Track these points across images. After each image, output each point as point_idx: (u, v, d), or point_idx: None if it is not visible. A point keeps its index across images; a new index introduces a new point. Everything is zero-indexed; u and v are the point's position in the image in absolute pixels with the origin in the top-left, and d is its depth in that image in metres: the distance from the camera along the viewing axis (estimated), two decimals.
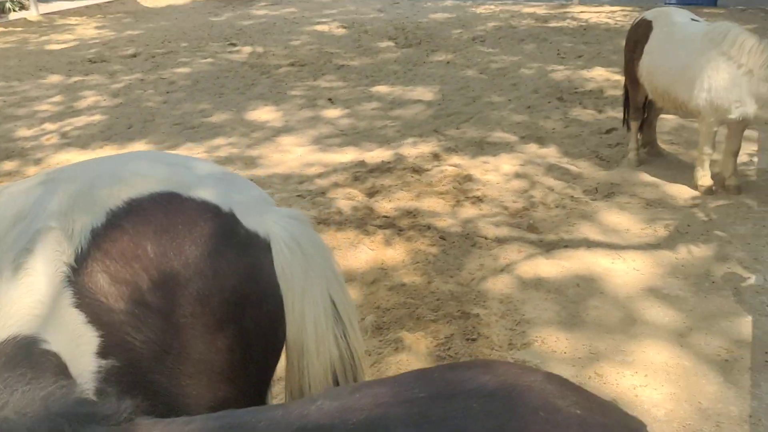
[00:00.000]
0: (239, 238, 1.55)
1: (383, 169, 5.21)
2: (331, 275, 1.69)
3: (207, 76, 8.47)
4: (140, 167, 1.59)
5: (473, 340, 3.21)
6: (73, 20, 13.79)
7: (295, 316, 1.60)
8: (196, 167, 1.66)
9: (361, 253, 4.02)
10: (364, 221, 4.38)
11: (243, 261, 1.54)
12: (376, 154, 5.52)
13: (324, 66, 8.65)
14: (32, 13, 14.37)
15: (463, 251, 4.01)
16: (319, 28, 11.19)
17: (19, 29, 12.96)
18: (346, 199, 4.70)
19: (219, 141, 6.10)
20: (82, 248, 1.45)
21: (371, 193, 4.81)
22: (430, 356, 3.13)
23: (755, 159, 5.12)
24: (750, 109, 4.17)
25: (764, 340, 3.09)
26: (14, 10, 14.78)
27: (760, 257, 3.78)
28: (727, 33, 4.22)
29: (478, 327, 3.30)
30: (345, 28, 11.09)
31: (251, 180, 5.09)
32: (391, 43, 9.81)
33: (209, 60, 9.31)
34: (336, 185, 4.97)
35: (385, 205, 4.59)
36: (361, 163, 5.35)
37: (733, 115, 4.22)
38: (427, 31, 10.45)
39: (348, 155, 5.56)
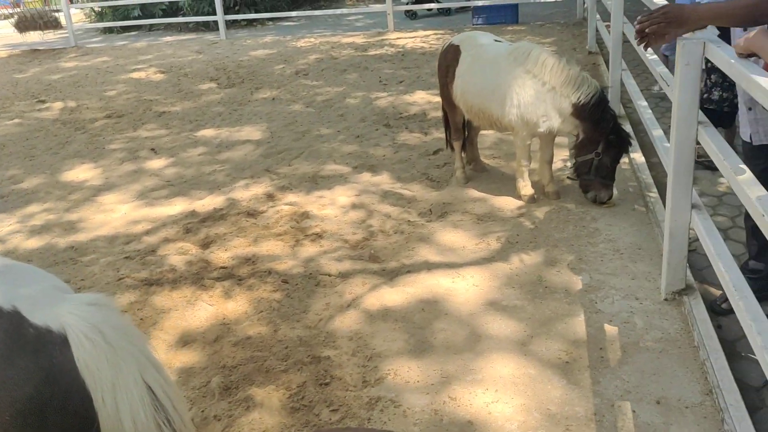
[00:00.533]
0: (27, 339, 1.36)
1: (216, 217, 5.01)
2: (143, 360, 1.53)
3: (15, 138, 7.80)
4: None
5: (326, 384, 3.12)
6: None
7: (108, 412, 1.43)
8: None
9: (200, 310, 3.81)
10: (200, 276, 4.16)
11: (35, 364, 1.35)
12: (207, 202, 5.31)
13: (144, 115, 8.27)
14: None
15: (307, 292, 3.91)
16: (135, 75, 10.72)
17: None
18: (179, 255, 4.46)
19: (33, 208, 5.60)
20: None
21: (205, 245, 4.60)
22: (283, 409, 3.00)
23: (568, 164, 5.47)
24: (555, 122, 4.47)
25: (597, 337, 3.26)
26: None
27: (584, 257, 4.02)
28: (529, 52, 4.50)
29: (330, 369, 3.21)
30: (163, 73, 10.71)
31: (73, 247, 4.74)
32: (213, 85, 9.59)
33: (16, 121, 8.61)
34: (167, 241, 4.71)
35: (221, 255, 4.40)
36: (192, 214, 5.12)
37: (541, 128, 4.51)
38: (249, 69, 10.34)
39: (177, 207, 5.31)
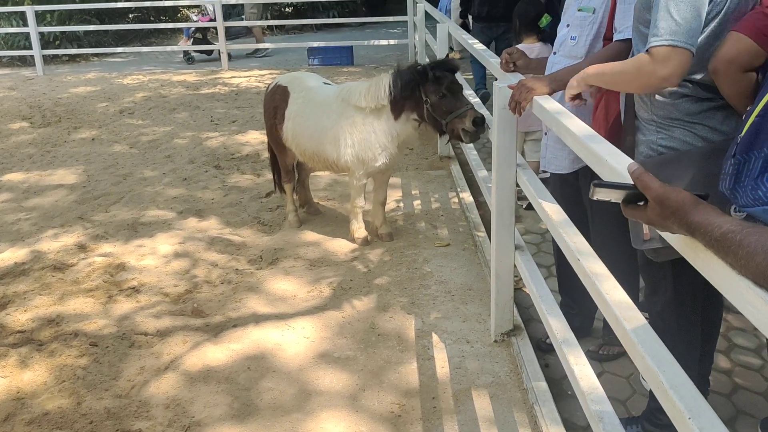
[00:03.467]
0: None
1: (16, 272, 4.44)
2: None
3: None
4: None
5: None
6: None
7: None
8: None
9: None
10: None
11: None
12: (7, 256, 4.70)
13: None
14: None
15: (119, 356, 3.51)
16: None
17: None
18: None
19: None
20: None
21: (1, 306, 4.04)
22: None
23: (401, 204, 5.47)
24: (392, 149, 4.38)
25: (430, 386, 3.16)
26: None
27: (416, 300, 3.95)
28: (350, 89, 4.44)
29: None
30: None
31: None
32: (24, 124, 8.76)
33: None
34: None
35: (19, 318, 3.87)
36: None
37: (379, 162, 4.40)
38: (67, 108, 9.58)
39: None
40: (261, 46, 13.82)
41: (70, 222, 5.30)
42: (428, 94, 4.11)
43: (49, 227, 5.22)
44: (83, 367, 3.41)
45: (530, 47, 4.90)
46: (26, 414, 3.09)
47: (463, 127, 4.02)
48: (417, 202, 5.52)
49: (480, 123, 3.98)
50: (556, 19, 5.23)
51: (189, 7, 14.61)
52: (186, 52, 13.72)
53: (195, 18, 13.66)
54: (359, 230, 4.75)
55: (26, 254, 4.71)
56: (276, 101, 4.82)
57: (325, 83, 4.89)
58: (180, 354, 3.50)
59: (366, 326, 3.71)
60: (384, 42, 13.48)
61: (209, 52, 13.85)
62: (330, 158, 4.55)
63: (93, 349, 3.56)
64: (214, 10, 13.00)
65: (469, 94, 5.20)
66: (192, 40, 13.56)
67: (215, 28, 13.35)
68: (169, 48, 14.00)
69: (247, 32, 14.38)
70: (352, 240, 4.77)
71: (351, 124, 4.40)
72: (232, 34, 14.31)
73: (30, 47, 13.19)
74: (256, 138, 7.62)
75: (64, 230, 5.14)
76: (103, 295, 4.12)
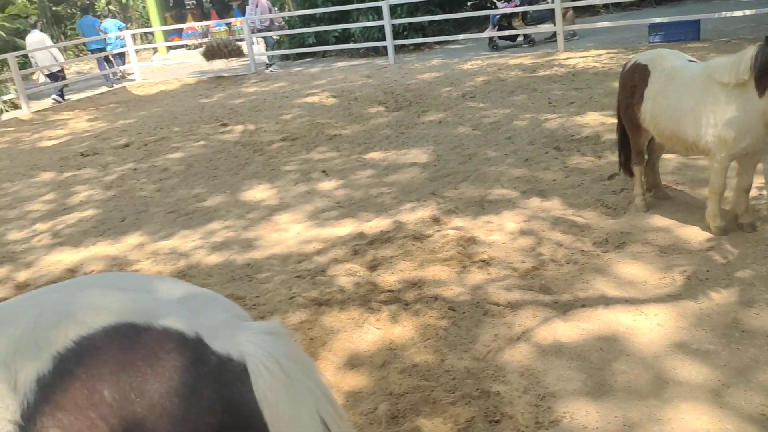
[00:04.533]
0: (210, 367, 1.34)
1: (383, 239, 5.03)
2: (318, 392, 1.48)
3: (200, 159, 8.40)
4: (90, 297, 1.40)
5: (497, 421, 2.96)
6: (65, 115, 13.92)
7: None
8: (156, 289, 1.47)
9: (368, 333, 3.80)
10: (367, 298, 4.17)
11: (217, 393, 1.33)
12: (375, 224, 5.35)
13: (316, 138, 8.59)
14: (24, 112, 14.53)
15: (474, 322, 3.78)
16: (309, 99, 11.22)
17: (12, 129, 13.09)
18: (348, 276, 4.51)
19: (214, 225, 5.95)
20: (28, 402, 1.26)
21: (372, 267, 4.62)
22: None
23: (764, 192, 4.92)
24: (759, 128, 3.98)
25: None
26: (6, 110, 14.98)
27: None
28: (715, 65, 4.14)
29: (500, 406, 3.05)
30: (334, 97, 11.11)
31: (249, 264, 4.95)
32: (381, 108, 9.78)
33: (201, 143, 9.28)
34: (336, 261, 4.78)
35: (388, 279, 4.39)
36: (360, 235, 5.17)
37: (743, 143, 4.04)
38: (416, 93, 10.45)
39: (346, 228, 5.39)
40: (572, 27, 13.69)
41: (425, 197, 5.82)
42: None
43: (406, 201, 5.79)
44: (444, 328, 3.75)
45: None
46: (398, 363, 3.50)
47: None
48: None
49: None
50: None
51: None
52: (491, 39, 14.17)
53: (501, 5, 13.95)
54: (716, 218, 4.40)
55: (390, 224, 5.30)
56: (635, 80, 4.66)
57: (689, 61, 4.59)
58: (531, 327, 3.64)
59: (728, 320, 3.44)
60: (738, 13, 12.11)
61: (513, 39, 14.11)
62: (690, 139, 4.29)
63: (451, 313, 3.89)
64: None
65: None
66: (498, 27, 13.92)
67: (520, 14, 13.58)
68: (503, 32, 14.37)
69: (551, 16, 14.18)
70: (707, 228, 4.44)
71: (714, 102, 4.10)
72: (534, 19, 14.23)
73: (382, 38, 14.64)
74: (595, 119, 7.47)
75: (419, 204, 5.66)
76: (457, 264, 4.45)
